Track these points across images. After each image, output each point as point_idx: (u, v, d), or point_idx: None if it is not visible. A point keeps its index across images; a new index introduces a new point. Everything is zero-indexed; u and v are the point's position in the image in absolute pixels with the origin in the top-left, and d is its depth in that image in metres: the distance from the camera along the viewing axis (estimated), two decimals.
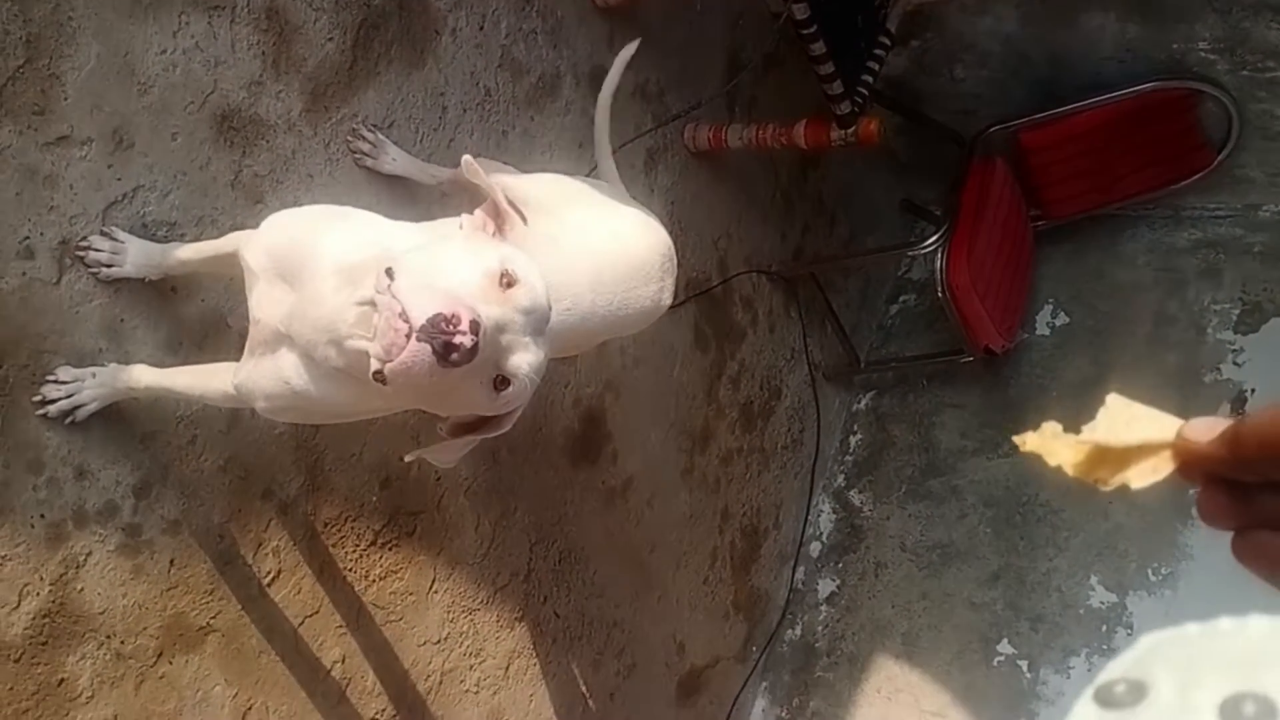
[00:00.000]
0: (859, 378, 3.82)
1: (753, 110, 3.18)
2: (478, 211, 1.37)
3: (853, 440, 3.78)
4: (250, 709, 2.00)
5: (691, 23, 2.96)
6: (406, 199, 2.19)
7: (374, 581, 2.24)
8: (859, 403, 3.84)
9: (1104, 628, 3.18)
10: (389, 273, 1.19)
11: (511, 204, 1.39)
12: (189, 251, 1.72)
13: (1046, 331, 3.70)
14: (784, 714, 3.45)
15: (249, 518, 1.98)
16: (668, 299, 1.85)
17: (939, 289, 3.20)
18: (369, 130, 2.12)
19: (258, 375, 1.46)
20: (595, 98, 2.66)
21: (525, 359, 1.23)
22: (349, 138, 2.09)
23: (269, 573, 2.03)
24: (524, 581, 2.61)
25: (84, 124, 1.70)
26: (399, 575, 2.29)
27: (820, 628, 3.53)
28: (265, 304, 1.44)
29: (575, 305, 1.65)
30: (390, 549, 2.27)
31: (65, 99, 1.67)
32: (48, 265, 1.66)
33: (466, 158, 1.37)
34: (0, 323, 1.61)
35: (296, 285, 1.39)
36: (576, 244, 1.71)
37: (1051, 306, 3.72)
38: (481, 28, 2.37)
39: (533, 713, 2.64)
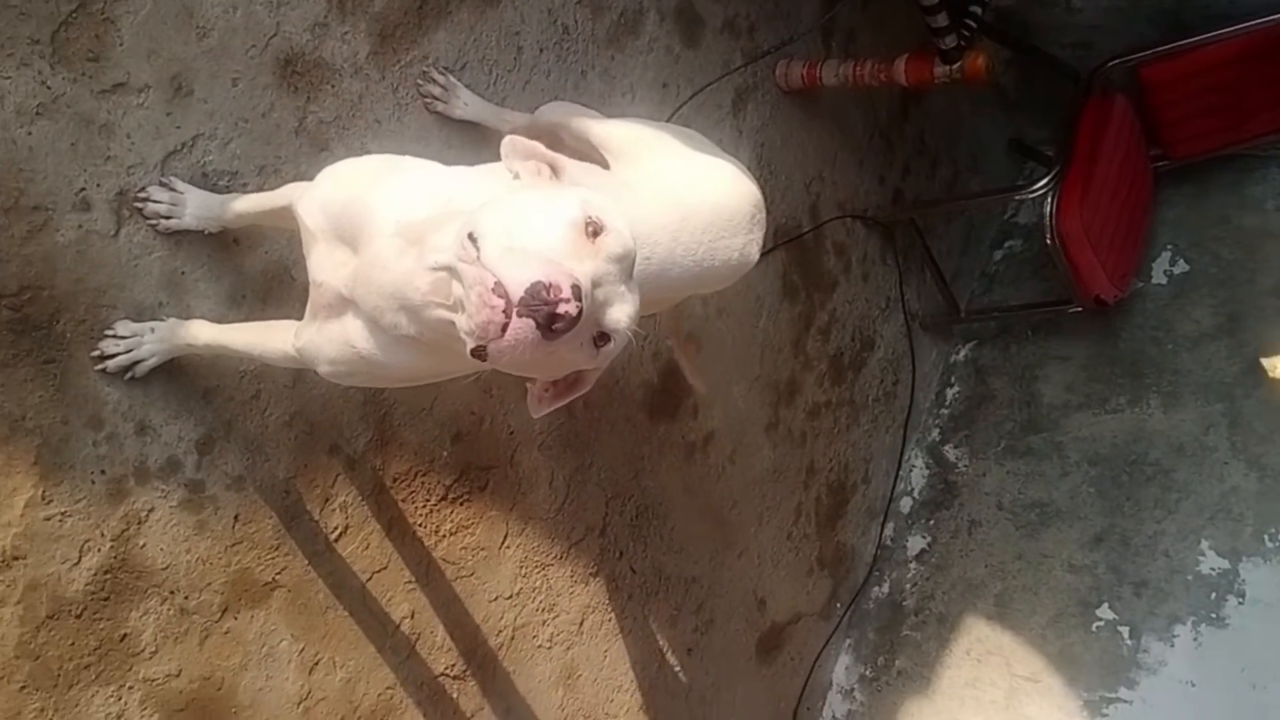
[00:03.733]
0: (958, 327, 3.64)
1: (850, 45, 2.99)
2: (512, 159, 1.26)
3: (949, 393, 3.62)
4: (317, 663, 1.99)
5: None
6: (479, 144, 2.10)
7: (444, 537, 2.20)
8: (957, 354, 3.66)
9: (1213, 595, 3.00)
10: (472, 239, 1.10)
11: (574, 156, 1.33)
12: (245, 204, 1.66)
13: (1163, 280, 3.46)
14: (868, 672, 3.36)
15: (315, 473, 1.95)
16: (755, 253, 1.74)
17: (1048, 235, 2.99)
18: (440, 73, 2.03)
19: (321, 340, 1.40)
20: (681, 34, 2.54)
21: (624, 310, 1.15)
22: (419, 81, 2.00)
23: (336, 528, 2.00)
24: (599, 537, 2.55)
25: (141, 70, 1.64)
26: (470, 530, 2.25)
27: (909, 586, 3.41)
28: (327, 267, 1.37)
29: (654, 256, 1.55)
30: (461, 504, 2.23)
31: (120, 44, 1.62)
32: (105, 217, 1.62)
33: (508, 138, 1.27)
34: (56, 276, 1.58)
35: (357, 247, 1.31)
36: (659, 192, 1.61)
37: (1170, 253, 3.48)
38: None
39: (607, 668, 2.60)
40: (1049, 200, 2.97)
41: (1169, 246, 3.49)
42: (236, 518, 1.83)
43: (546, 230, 1.11)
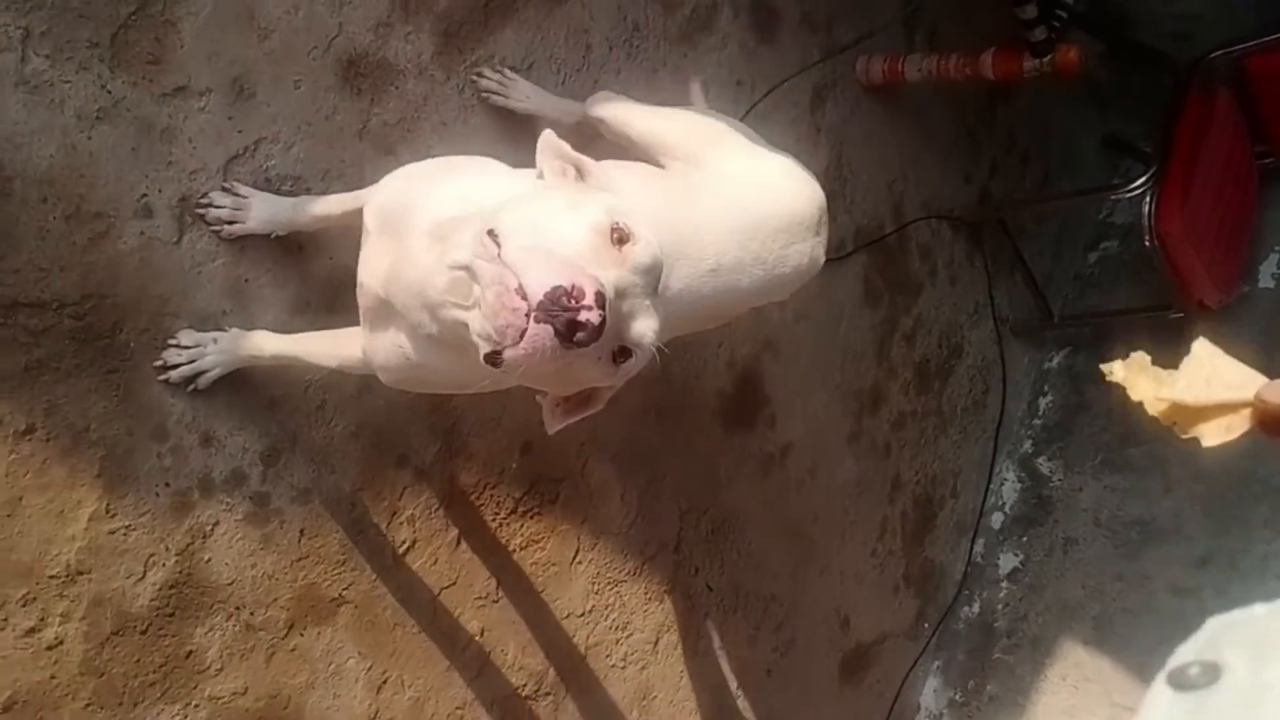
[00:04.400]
0: (1051, 333, 3.48)
1: (934, 39, 2.87)
2: (545, 156, 1.19)
3: (1043, 402, 3.46)
4: (385, 682, 1.93)
5: None
6: None
7: (514, 551, 2.14)
8: (1051, 361, 3.50)
9: None
10: (492, 235, 1.03)
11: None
12: (326, 205, 1.62)
13: (1271, 284, 3.27)
14: (958, 696, 3.22)
15: (382, 485, 1.90)
16: (822, 256, 1.67)
17: (1147, 236, 2.83)
18: (494, 70, 1.97)
19: (373, 344, 1.35)
20: (756, 29, 2.45)
21: (649, 325, 1.07)
22: (473, 77, 1.94)
23: (404, 542, 1.94)
24: (674, 553, 2.46)
25: (202, 73, 1.61)
26: (540, 545, 2.18)
27: (1000, 606, 3.26)
28: (369, 264, 1.33)
29: (721, 265, 1.47)
30: (532, 517, 2.16)
31: (181, 47, 1.58)
32: (167, 224, 1.59)
33: (544, 134, 1.20)
34: (119, 284, 1.54)
35: (398, 244, 1.26)
36: (723, 194, 1.53)
37: (1278, 256, 3.28)
38: None
39: (683, 689, 2.51)
40: (1148, 200, 2.80)
41: (1276, 249, 3.30)
42: (302, 532, 1.78)
43: (571, 233, 1.04)
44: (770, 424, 2.64)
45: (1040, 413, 3.44)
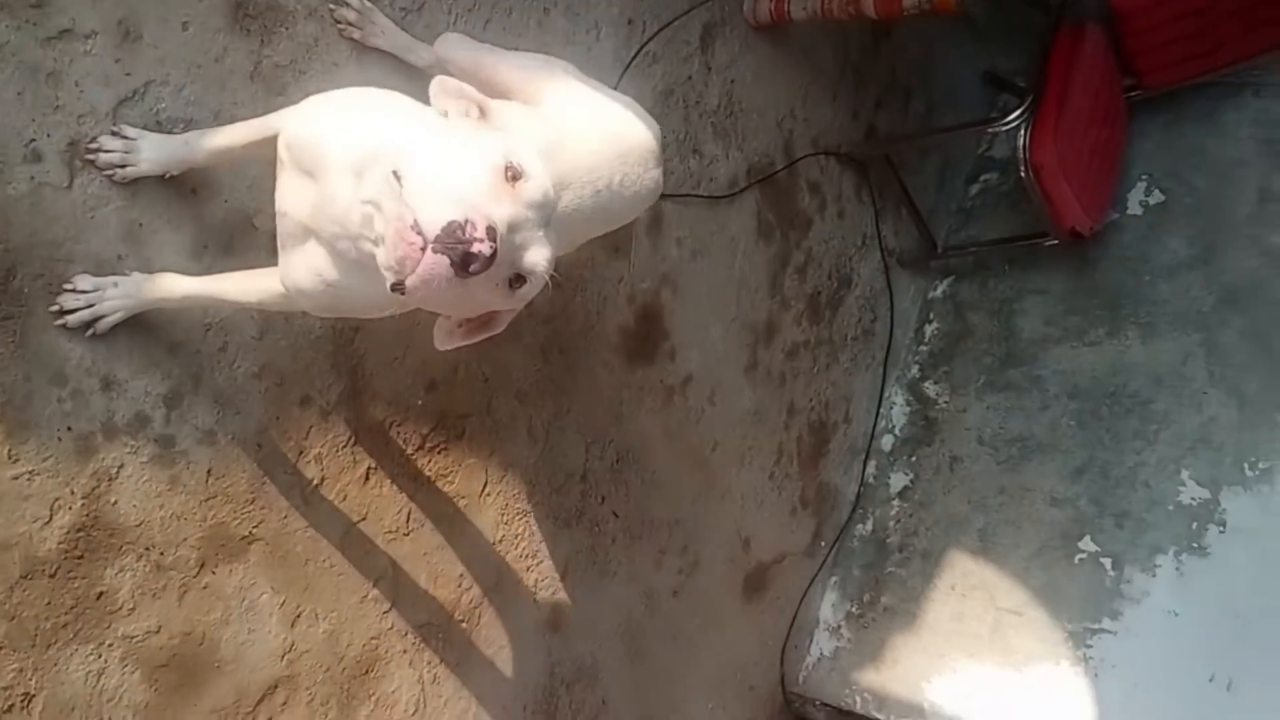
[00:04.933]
0: (936, 263, 3.62)
1: None
2: (444, 97, 1.29)
3: (928, 329, 3.61)
4: (299, 616, 1.98)
5: None
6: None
7: (423, 485, 2.19)
8: (935, 290, 3.65)
9: (1194, 525, 3.02)
10: (396, 176, 1.14)
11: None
12: (228, 136, 1.60)
13: (1139, 211, 3.44)
14: (854, 609, 3.38)
15: (288, 425, 1.93)
16: (661, 182, 1.74)
17: (1022, 168, 2.96)
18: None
19: (292, 271, 1.42)
20: None
21: (540, 254, 1.20)
22: (331, 5, 1.90)
23: (312, 480, 1.98)
24: (580, 482, 2.55)
25: (86, 16, 1.60)
26: (449, 479, 2.23)
27: (892, 523, 3.43)
28: (289, 196, 1.39)
29: (570, 194, 1.55)
30: (439, 452, 2.21)
31: None
32: (57, 168, 1.58)
33: (437, 79, 1.30)
34: (10, 230, 1.54)
35: (317, 178, 1.33)
36: (568, 127, 1.59)
37: (1145, 184, 3.45)
38: None
39: (593, 613, 2.61)
40: (1022, 132, 2.93)
41: (1144, 177, 3.46)
42: (209, 472, 1.81)
43: (467, 172, 1.15)
44: (670, 357, 2.73)
45: (926, 339, 3.59)
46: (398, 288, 1.14)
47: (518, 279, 1.20)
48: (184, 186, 1.73)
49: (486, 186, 1.15)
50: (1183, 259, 3.29)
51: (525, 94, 1.65)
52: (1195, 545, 3.00)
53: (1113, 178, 3.31)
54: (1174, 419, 3.13)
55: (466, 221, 1.09)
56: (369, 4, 1.94)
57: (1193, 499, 3.04)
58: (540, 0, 2.26)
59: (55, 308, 1.58)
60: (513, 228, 1.16)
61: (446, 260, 1.09)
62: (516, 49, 1.88)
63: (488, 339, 1.35)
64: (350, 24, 1.92)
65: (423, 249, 1.10)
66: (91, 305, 1.60)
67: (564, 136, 1.53)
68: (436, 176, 1.14)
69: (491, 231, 1.10)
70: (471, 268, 1.10)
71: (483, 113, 1.30)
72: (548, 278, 1.22)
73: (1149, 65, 3.29)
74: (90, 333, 1.61)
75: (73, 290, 1.60)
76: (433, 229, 1.09)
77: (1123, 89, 3.30)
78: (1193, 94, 3.38)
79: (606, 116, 1.67)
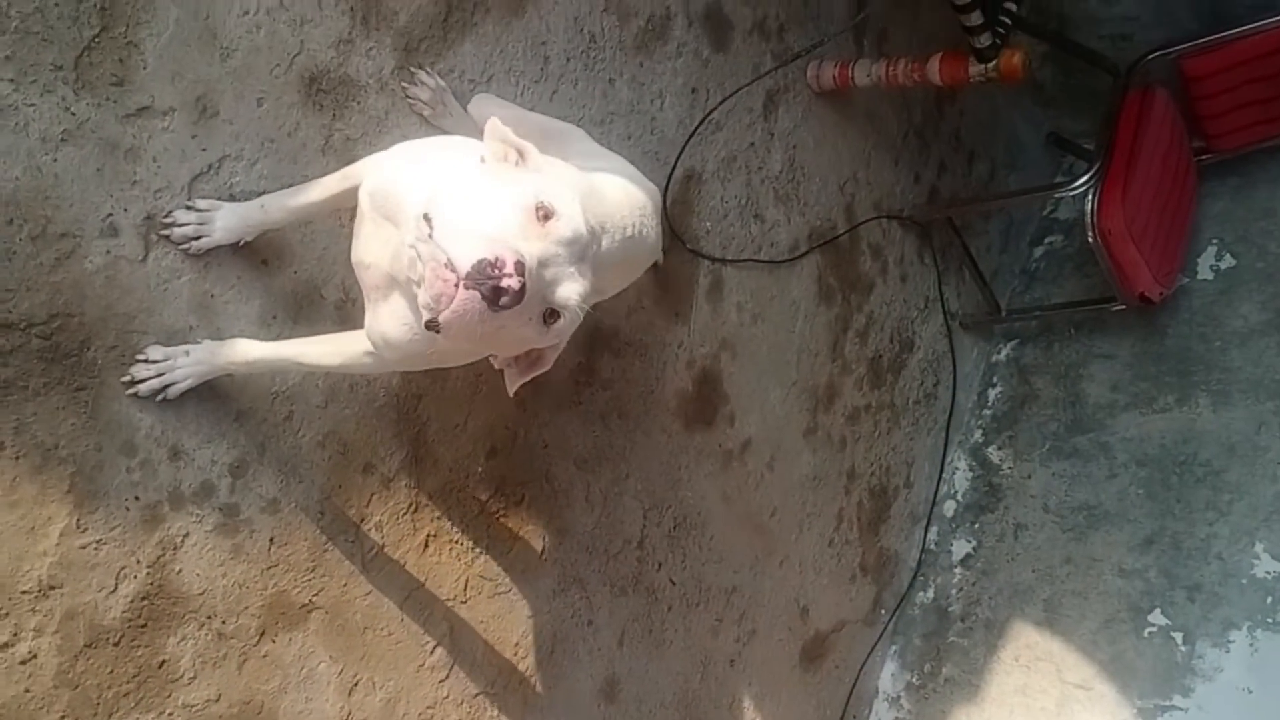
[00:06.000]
0: (999, 327, 3.57)
1: (883, 45, 2.95)
2: (491, 141, 1.34)
3: (992, 394, 3.55)
4: (356, 685, 1.97)
5: None
6: None
7: (481, 553, 2.18)
8: (999, 353, 3.60)
9: (1269, 599, 2.92)
10: (427, 219, 1.19)
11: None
12: (310, 193, 1.62)
13: (1209, 275, 3.38)
14: (915, 679, 3.31)
15: (350, 493, 1.94)
16: (660, 242, 1.79)
17: (1090, 232, 2.93)
18: (429, 74, 1.95)
19: (379, 323, 1.45)
20: (710, 38, 2.50)
21: (573, 289, 1.24)
22: (403, 83, 1.93)
23: (372, 547, 1.98)
24: (637, 548, 2.52)
25: (165, 93, 1.63)
26: (507, 546, 2.22)
27: (954, 591, 3.36)
28: (373, 247, 1.43)
29: (609, 237, 1.56)
30: (498, 519, 2.20)
31: (144, 68, 1.61)
32: (133, 242, 1.61)
33: (490, 121, 1.35)
34: (85, 303, 1.57)
35: (398, 225, 1.37)
36: (597, 177, 1.63)
37: (1216, 248, 3.40)
38: None
39: (649, 682, 2.57)
40: (1090, 196, 2.90)
41: (1214, 241, 3.41)
42: (272, 540, 1.82)
43: (497, 212, 1.20)
44: (729, 421, 2.71)
45: (989, 403, 3.53)
46: (432, 325, 1.19)
47: (551, 314, 1.23)
48: (255, 257, 1.75)
49: (516, 226, 1.19)
50: (1255, 325, 3.22)
51: (552, 150, 1.66)
52: (1270, 620, 2.90)
53: (1182, 242, 3.25)
54: (1248, 489, 3.05)
55: (496, 259, 1.14)
56: (443, 83, 1.97)
57: (1268, 572, 2.95)
58: (606, 71, 2.28)
59: (127, 378, 1.61)
60: (543, 263, 1.20)
61: (478, 295, 1.14)
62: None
63: (538, 375, 1.40)
64: (423, 102, 1.94)
65: (456, 286, 1.14)
66: (162, 374, 1.63)
67: (597, 184, 1.57)
68: (465, 217, 1.19)
69: (520, 266, 1.15)
70: (502, 301, 1.14)
71: (522, 157, 1.34)
72: (582, 312, 1.25)
73: (1219, 129, 3.25)
74: (160, 398, 1.63)
75: (145, 360, 1.62)
76: (464, 266, 1.13)
77: (1192, 152, 3.26)
78: (1265, 158, 3.34)
79: (624, 173, 1.72)
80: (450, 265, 1.14)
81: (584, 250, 1.26)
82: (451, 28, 2.00)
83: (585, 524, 2.39)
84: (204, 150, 1.68)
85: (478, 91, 2.05)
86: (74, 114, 1.54)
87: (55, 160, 1.53)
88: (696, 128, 2.47)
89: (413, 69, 1.94)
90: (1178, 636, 3.00)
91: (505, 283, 1.14)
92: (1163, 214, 3.07)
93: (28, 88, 1.50)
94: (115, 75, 1.58)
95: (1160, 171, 3.04)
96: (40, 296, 1.53)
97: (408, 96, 1.93)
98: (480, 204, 1.21)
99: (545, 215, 1.21)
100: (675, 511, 2.61)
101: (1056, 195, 3.45)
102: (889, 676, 3.34)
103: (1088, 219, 2.89)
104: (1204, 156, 3.31)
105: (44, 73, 1.51)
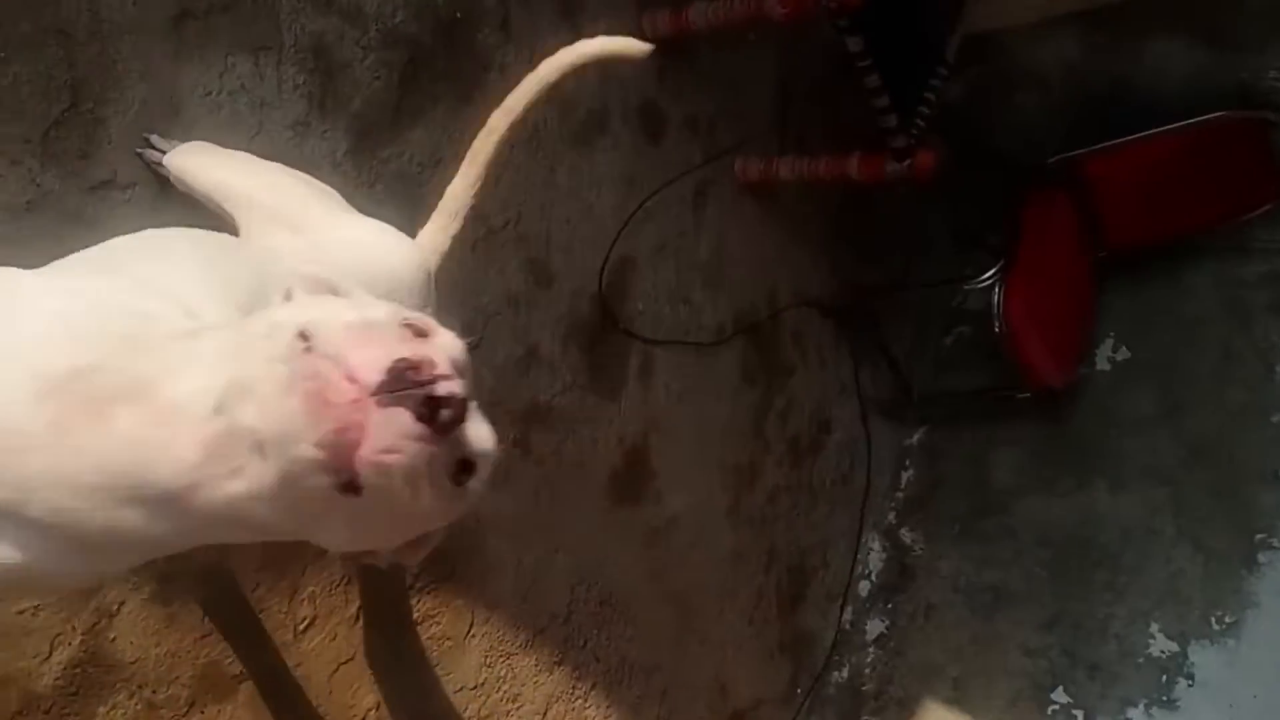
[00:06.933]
0: (912, 413, 3.73)
1: (805, 142, 3.12)
2: (304, 280, 0.94)
3: (904, 476, 3.69)
4: None
5: (742, 54, 2.90)
6: None
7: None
8: (911, 438, 3.74)
9: (1164, 678, 3.07)
10: (303, 335, 0.77)
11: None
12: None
13: (1107, 366, 3.58)
14: None
15: (284, 563, 1.95)
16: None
17: (996, 324, 3.10)
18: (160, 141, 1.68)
19: None
20: (645, 131, 2.63)
21: (484, 430, 0.84)
22: (137, 149, 1.68)
23: (304, 619, 1.99)
24: (564, 624, 2.56)
25: (127, 168, 1.68)
26: (435, 620, 2.24)
27: (868, 670, 3.44)
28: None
29: None
30: (427, 593, 2.22)
31: (109, 143, 1.65)
32: None
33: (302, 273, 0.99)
34: None
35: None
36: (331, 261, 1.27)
37: (1112, 340, 3.60)
38: (530, 62, 2.32)
39: None
40: (996, 289, 3.08)
41: (1111, 334, 3.61)
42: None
43: (377, 317, 0.82)
44: (656, 499, 2.78)
45: (902, 486, 3.67)
46: (350, 486, 0.75)
47: (464, 467, 0.82)
48: None
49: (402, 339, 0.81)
50: (1147, 414, 3.41)
51: (281, 216, 1.36)
52: (1165, 698, 3.04)
53: (1082, 335, 3.45)
54: (1143, 571, 3.21)
55: (420, 358, 0.76)
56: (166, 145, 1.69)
57: (1162, 651, 3.10)
58: (547, 159, 2.39)
59: None
60: None
61: (406, 412, 0.74)
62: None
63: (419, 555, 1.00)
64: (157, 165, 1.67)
65: (360, 405, 0.73)
66: None
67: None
68: (352, 317, 0.80)
69: (457, 365, 0.79)
70: (442, 416, 0.75)
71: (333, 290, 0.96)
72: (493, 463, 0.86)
73: (1115, 227, 3.45)
74: None
75: None
76: (373, 372, 0.74)
77: (1091, 250, 3.47)
78: (1157, 256, 3.55)
79: (365, 243, 1.39)
80: (350, 375, 0.74)
81: (471, 382, 0.84)
82: (403, 114, 2.09)
83: (514, 598, 2.42)
84: (162, 223, 1.72)
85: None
86: (39, 185, 1.58)
87: (18, 229, 1.56)
88: (631, 216, 2.59)
89: (145, 135, 1.69)
90: (1079, 714, 3.12)
91: (442, 388, 0.75)
92: (1064, 307, 3.27)
93: None
94: (81, 150, 1.62)
95: (1061, 267, 3.24)
96: None
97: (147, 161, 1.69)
98: (349, 314, 0.82)
99: (419, 333, 0.81)
100: (602, 588, 2.65)
101: (965, 287, 3.63)
102: None
103: (995, 310, 3.07)
104: (1102, 254, 3.52)
105: (13, 144, 1.55)
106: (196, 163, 1.56)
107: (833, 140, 3.07)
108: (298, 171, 1.52)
